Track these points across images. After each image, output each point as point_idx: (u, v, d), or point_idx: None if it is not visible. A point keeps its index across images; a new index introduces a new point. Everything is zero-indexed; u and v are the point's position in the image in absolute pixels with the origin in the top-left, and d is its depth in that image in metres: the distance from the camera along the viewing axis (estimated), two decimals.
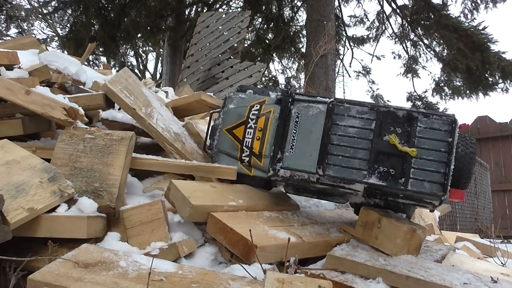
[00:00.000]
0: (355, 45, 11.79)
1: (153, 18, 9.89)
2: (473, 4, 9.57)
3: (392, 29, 10.82)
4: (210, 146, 2.21)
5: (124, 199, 1.86)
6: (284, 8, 11.47)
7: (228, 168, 2.09)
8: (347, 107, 1.92)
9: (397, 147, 1.78)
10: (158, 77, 15.43)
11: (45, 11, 10.70)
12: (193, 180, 2.19)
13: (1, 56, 2.53)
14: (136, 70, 15.87)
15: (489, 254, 3.04)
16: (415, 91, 10.91)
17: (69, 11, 9.75)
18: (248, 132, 2.06)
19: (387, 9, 10.64)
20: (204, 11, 10.05)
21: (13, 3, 10.04)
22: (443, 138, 1.76)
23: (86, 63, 4.26)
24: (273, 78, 13.03)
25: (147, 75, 16.47)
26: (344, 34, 11.47)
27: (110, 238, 1.65)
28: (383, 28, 11.13)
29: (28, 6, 10.70)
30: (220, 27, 7.33)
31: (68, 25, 9.91)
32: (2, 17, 10.30)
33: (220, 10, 10.31)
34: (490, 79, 8.96)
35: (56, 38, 11.70)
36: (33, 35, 11.13)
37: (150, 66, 17.97)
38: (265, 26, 11.62)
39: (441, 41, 9.46)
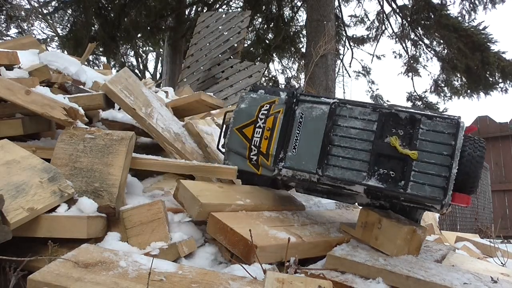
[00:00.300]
0: (355, 45, 11.80)
1: (153, 18, 9.89)
2: (471, 6, 9.58)
3: (392, 29, 10.84)
4: (224, 145, 2.23)
5: (124, 199, 1.86)
6: (284, 8, 11.47)
7: (228, 168, 2.09)
8: (349, 108, 1.91)
9: (397, 149, 1.76)
10: (158, 77, 15.43)
11: (45, 11, 10.71)
12: (193, 181, 2.19)
13: (1, 56, 2.53)
14: (136, 70, 15.88)
15: (489, 254, 3.04)
16: (415, 91, 10.93)
17: (69, 11, 9.75)
18: (256, 131, 2.07)
19: (387, 9, 10.66)
20: (204, 11, 10.06)
21: (13, 3, 10.04)
22: (446, 141, 1.72)
23: (86, 63, 4.26)
24: (273, 78, 13.04)
25: (147, 75, 16.48)
26: (344, 34, 11.48)
27: (110, 238, 1.64)
28: (383, 28, 11.14)
29: (28, 6, 10.71)
30: (220, 27, 7.34)
31: (68, 25, 9.92)
32: (2, 17, 10.31)
33: (220, 10, 10.31)
34: (490, 79, 8.96)
35: (56, 38, 11.70)
36: (33, 35, 11.14)
37: (150, 66, 18.00)
38: (265, 26, 11.62)
39: (441, 41, 9.47)
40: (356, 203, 2.14)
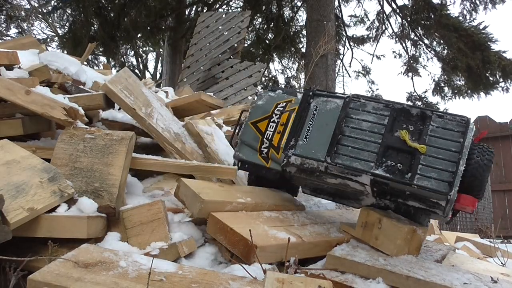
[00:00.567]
0: (355, 45, 11.80)
1: (153, 18, 9.89)
2: (472, 6, 9.58)
3: (392, 29, 10.84)
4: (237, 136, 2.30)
5: (124, 199, 1.86)
6: (284, 8, 11.47)
7: (228, 168, 2.10)
8: (363, 102, 1.97)
9: (406, 142, 1.79)
10: (158, 77, 15.43)
11: (44, 11, 10.70)
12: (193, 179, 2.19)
13: (1, 56, 2.53)
14: (136, 70, 15.88)
15: (489, 254, 3.04)
16: (415, 91, 10.93)
17: (69, 11, 9.75)
18: (270, 125, 2.14)
19: (387, 9, 10.66)
20: (204, 11, 10.06)
21: (13, 3, 10.04)
22: (455, 139, 1.76)
23: (85, 63, 4.27)
24: (273, 78, 13.05)
25: (147, 75, 16.48)
26: (344, 34, 11.48)
27: (110, 238, 1.64)
28: (383, 28, 11.13)
29: (28, 6, 10.71)
30: (220, 27, 7.34)
31: (67, 24, 9.91)
32: (2, 17, 10.31)
33: (220, 10, 10.31)
34: (491, 78, 8.95)
35: (56, 38, 11.70)
36: (33, 35, 11.15)
37: (150, 66, 17.99)
38: (265, 26, 11.62)
39: (441, 41, 9.46)
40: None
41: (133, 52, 15.00)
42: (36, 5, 10.82)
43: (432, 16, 9.17)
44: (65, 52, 7.80)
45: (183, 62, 7.84)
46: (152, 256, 1.38)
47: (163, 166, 2.13)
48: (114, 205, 1.71)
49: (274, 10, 11.27)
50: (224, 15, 7.48)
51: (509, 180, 8.59)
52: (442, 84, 10.33)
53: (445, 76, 10.11)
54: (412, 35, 10.32)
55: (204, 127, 2.69)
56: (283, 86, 12.49)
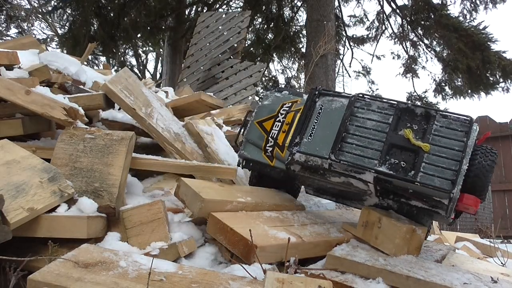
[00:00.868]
0: (355, 45, 11.80)
1: (153, 18, 9.88)
2: (472, 5, 9.57)
3: (392, 29, 10.84)
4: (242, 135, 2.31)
5: (124, 199, 1.86)
6: (284, 8, 11.47)
7: (228, 168, 2.10)
8: (368, 101, 1.99)
9: (410, 140, 1.81)
10: (158, 77, 15.43)
11: (44, 11, 10.71)
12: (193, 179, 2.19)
13: (1, 56, 2.53)
14: (136, 70, 15.88)
15: (489, 254, 3.04)
16: (415, 91, 10.93)
17: (68, 10, 9.74)
18: (276, 125, 2.15)
19: (387, 9, 10.66)
20: (204, 11, 10.05)
21: (13, 3, 10.04)
22: (459, 138, 1.78)
23: (85, 62, 4.26)
24: (273, 78, 13.04)
25: (147, 75, 16.48)
26: (344, 34, 11.48)
27: (110, 238, 1.64)
28: (383, 28, 11.13)
29: (28, 6, 10.71)
30: (220, 27, 7.33)
31: (67, 24, 9.91)
32: (2, 17, 10.31)
33: (220, 10, 10.30)
34: (491, 78, 8.96)
35: (56, 38, 11.70)
36: (33, 35, 11.15)
37: (150, 66, 18.00)
38: (265, 26, 11.62)
39: (441, 41, 9.46)
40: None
41: (133, 52, 15.01)
42: (36, 5, 10.83)
43: (432, 16, 9.17)
44: (65, 52, 7.80)
45: (183, 62, 7.84)
46: (152, 256, 1.38)
47: (163, 166, 2.14)
48: (114, 205, 1.71)
49: (274, 10, 11.27)
50: (224, 15, 7.48)
51: (509, 180, 8.59)
52: (443, 84, 10.33)
53: (446, 76, 10.11)
54: (412, 36, 10.33)
55: (204, 127, 2.69)
56: (283, 86, 12.48)
